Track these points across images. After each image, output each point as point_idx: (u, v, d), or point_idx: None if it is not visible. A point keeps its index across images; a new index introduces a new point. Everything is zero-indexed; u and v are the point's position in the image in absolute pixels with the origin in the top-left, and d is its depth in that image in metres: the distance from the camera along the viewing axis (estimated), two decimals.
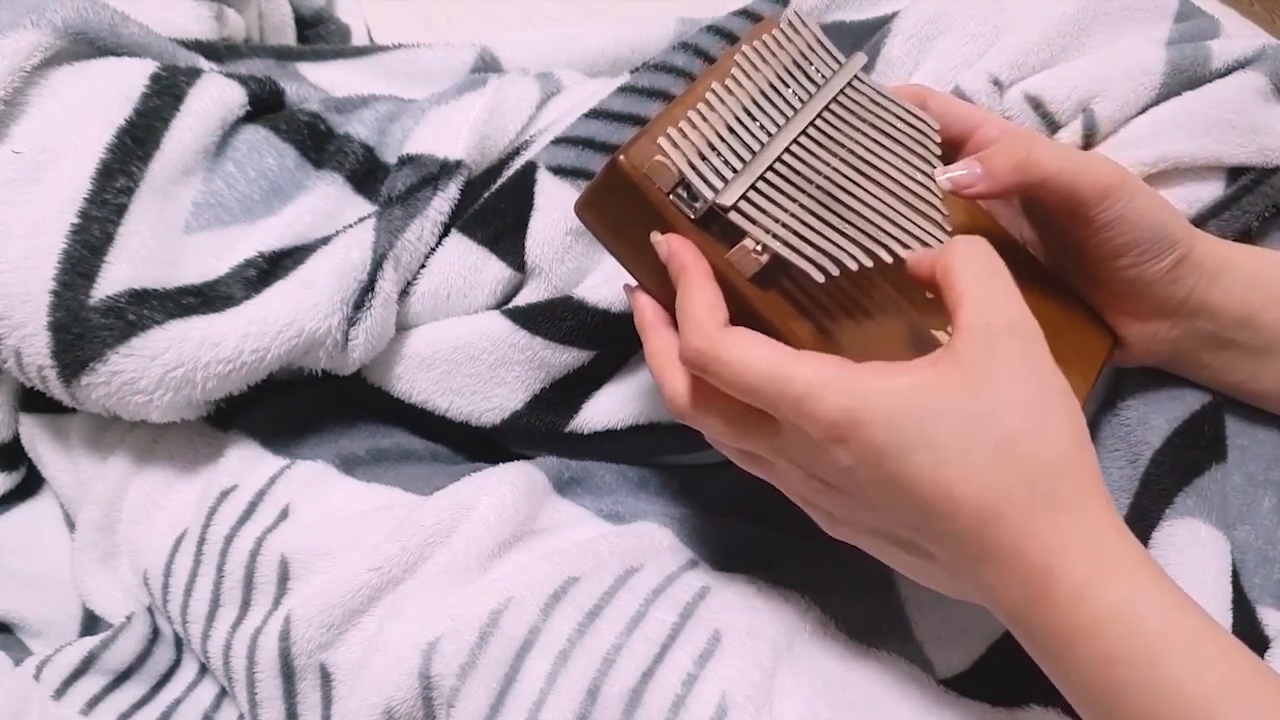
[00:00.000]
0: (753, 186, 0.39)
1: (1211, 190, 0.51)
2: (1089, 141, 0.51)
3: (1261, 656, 0.43)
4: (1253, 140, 0.50)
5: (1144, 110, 0.52)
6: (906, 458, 0.34)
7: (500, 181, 0.53)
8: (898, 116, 0.43)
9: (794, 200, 0.39)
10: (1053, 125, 0.52)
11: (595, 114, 0.54)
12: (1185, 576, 0.44)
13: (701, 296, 0.37)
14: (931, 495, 0.34)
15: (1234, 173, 0.51)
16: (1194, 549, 0.44)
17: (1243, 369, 0.47)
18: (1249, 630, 0.45)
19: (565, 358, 0.51)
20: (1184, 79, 0.52)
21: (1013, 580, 0.34)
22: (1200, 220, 0.50)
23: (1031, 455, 0.34)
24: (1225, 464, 0.48)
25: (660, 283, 0.40)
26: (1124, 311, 0.46)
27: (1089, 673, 0.33)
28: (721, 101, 0.40)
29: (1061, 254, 0.46)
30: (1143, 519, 0.46)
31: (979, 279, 0.36)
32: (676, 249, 0.39)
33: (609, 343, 0.51)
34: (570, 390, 0.52)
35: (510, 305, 0.52)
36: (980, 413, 0.34)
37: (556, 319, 0.50)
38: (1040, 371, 0.35)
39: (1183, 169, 0.51)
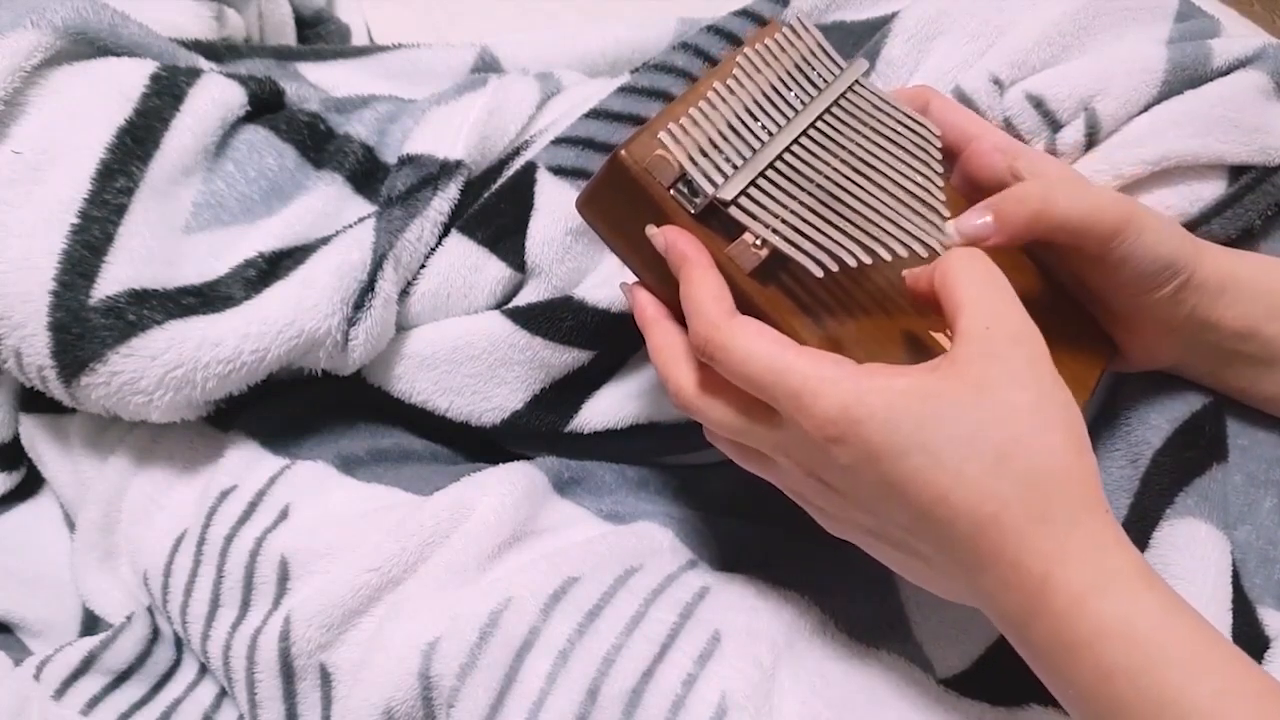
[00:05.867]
0: (753, 183, 0.39)
1: (1213, 189, 0.51)
2: (1091, 139, 0.51)
3: (1262, 656, 0.43)
4: (1254, 139, 0.50)
5: (1146, 109, 0.52)
6: (902, 460, 0.34)
7: (500, 182, 0.53)
8: (899, 121, 0.43)
9: (794, 198, 0.39)
10: (1054, 124, 0.51)
11: (595, 114, 0.54)
12: (1185, 576, 0.44)
13: (706, 285, 0.38)
14: (927, 499, 0.34)
15: (1236, 171, 0.51)
16: (1194, 549, 0.44)
17: (1245, 377, 0.47)
18: (1249, 630, 0.45)
19: (565, 358, 0.51)
20: (1185, 77, 0.52)
21: (1010, 589, 0.34)
22: (1203, 219, 0.50)
23: (1030, 464, 0.34)
24: (1226, 464, 0.48)
25: (661, 278, 0.40)
26: (1126, 328, 0.45)
27: (1088, 684, 0.33)
28: (723, 100, 0.40)
29: (1061, 271, 0.45)
30: (1143, 519, 0.46)
31: (979, 286, 0.36)
32: (674, 239, 0.39)
33: (609, 343, 0.51)
34: (570, 390, 0.52)
35: (510, 305, 0.51)
36: (979, 419, 0.33)
37: (556, 319, 0.50)
38: (1042, 380, 0.35)
39: (1185, 167, 0.51)
